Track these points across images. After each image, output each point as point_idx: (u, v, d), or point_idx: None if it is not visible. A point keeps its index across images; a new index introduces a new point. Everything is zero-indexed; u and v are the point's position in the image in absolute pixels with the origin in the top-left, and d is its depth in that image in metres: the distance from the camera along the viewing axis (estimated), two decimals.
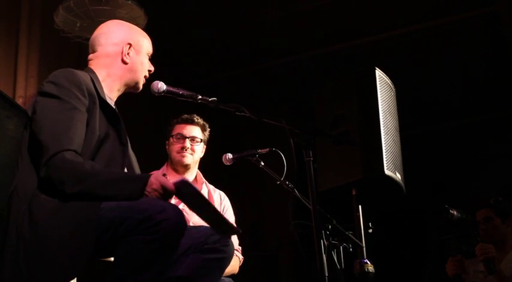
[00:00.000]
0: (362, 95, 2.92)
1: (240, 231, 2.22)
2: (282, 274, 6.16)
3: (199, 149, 3.30)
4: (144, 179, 1.94)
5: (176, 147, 3.26)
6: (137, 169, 2.33)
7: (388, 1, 5.15)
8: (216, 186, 3.43)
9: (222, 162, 3.04)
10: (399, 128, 3.03)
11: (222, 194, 3.41)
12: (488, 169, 6.90)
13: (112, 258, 1.97)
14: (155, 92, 2.28)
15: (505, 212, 3.53)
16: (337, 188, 2.88)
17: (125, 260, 1.84)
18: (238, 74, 6.20)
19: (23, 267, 1.84)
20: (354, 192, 2.86)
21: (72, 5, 3.71)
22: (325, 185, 2.90)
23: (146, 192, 1.91)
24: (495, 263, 3.20)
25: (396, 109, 3.05)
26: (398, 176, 2.85)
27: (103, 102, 2.14)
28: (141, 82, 2.35)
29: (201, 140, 3.31)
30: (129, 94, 2.41)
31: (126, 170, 2.22)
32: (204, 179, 3.37)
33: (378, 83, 2.90)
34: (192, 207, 2.23)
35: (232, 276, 3.11)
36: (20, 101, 3.79)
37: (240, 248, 3.25)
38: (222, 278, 2.57)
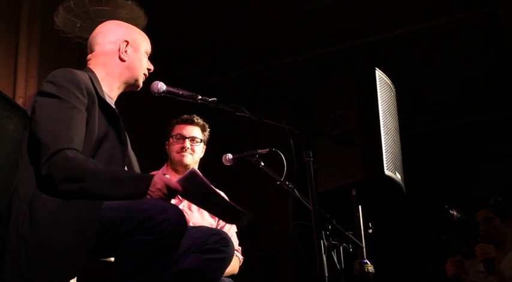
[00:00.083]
0: (362, 95, 2.92)
1: (253, 216, 2.16)
2: (282, 274, 6.15)
3: (199, 149, 3.30)
4: (148, 179, 1.94)
5: (176, 147, 3.26)
6: (137, 169, 2.33)
7: (388, 1, 5.15)
8: (216, 187, 3.42)
9: (222, 162, 3.04)
10: (399, 128, 3.03)
11: (222, 194, 3.41)
12: (488, 169, 6.90)
13: (112, 258, 1.97)
14: (155, 92, 2.28)
15: (504, 213, 3.53)
16: (337, 188, 2.88)
17: (126, 260, 1.84)
18: (238, 74, 6.20)
19: (24, 267, 1.84)
20: (353, 193, 2.86)
21: (72, 5, 3.71)
22: (325, 185, 2.89)
23: (150, 192, 1.92)
24: (495, 263, 3.20)
25: (396, 109, 3.05)
26: (398, 176, 2.85)
27: (102, 101, 2.14)
28: (141, 79, 2.35)
29: (201, 140, 3.31)
30: (129, 94, 2.41)
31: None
32: None
33: (377, 83, 2.90)
34: (198, 202, 2.22)
35: (232, 276, 3.11)
36: (20, 101, 3.79)
37: (240, 248, 3.25)
38: (222, 278, 2.57)
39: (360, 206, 2.85)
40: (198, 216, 3.16)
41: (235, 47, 5.77)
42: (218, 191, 2.23)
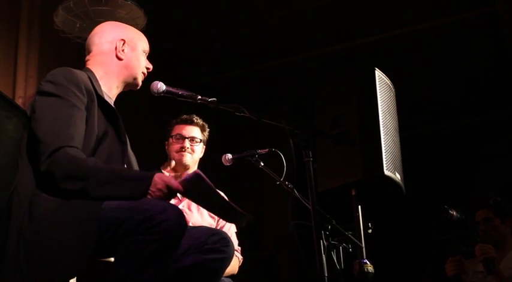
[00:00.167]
0: (362, 95, 2.91)
1: (253, 218, 2.17)
2: (282, 274, 6.15)
3: (199, 149, 3.30)
4: (149, 178, 1.94)
5: (175, 147, 3.26)
6: (136, 168, 2.33)
7: (388, 1, 5.15)
8: (216, 187, 3.41)
9: (222, 162, 3.04)
10: (399, 128, 3.03)
11: (222, 194, 3.41)
12: (488, 169, 6.90)
13: (112, 259, 1.97)
14: (155, 92, 2.28)
15: (504, 213, 3.53)
16: (337, 189, 2.88)
17: (126, 260, 1.84)
18: (238, 74, 6.19)
19: (24, 267, 1.84)
20: (353, 193, 2.86)
21: (71, 5, 3.71)
22: (325, 185, 2.89)
23: (150, 192, 1.91)
24: (494, 263, 3.20)
25: (396, 109, 3.05)
26: (398, 176, 2.85)
27: (101, 100, 2.14)
28: (139, 78, 2.35)
29: (201, 140, 3.31)
30: (129, 94, 2.41)
31: None
32: None
33: (377, 83, 2.90)
34: (199, 201, 2.22)
35: (231, 276, 3.11)
36: (19, 101, 3.79)
37: (240, 248, 3.25)
38: (222, 278, 2.57)
39: (359, 206, 2.84)
40: (197, 216, 3.17)
41: (235, 47, 5.77)
42: (218, 191, 2.23)
